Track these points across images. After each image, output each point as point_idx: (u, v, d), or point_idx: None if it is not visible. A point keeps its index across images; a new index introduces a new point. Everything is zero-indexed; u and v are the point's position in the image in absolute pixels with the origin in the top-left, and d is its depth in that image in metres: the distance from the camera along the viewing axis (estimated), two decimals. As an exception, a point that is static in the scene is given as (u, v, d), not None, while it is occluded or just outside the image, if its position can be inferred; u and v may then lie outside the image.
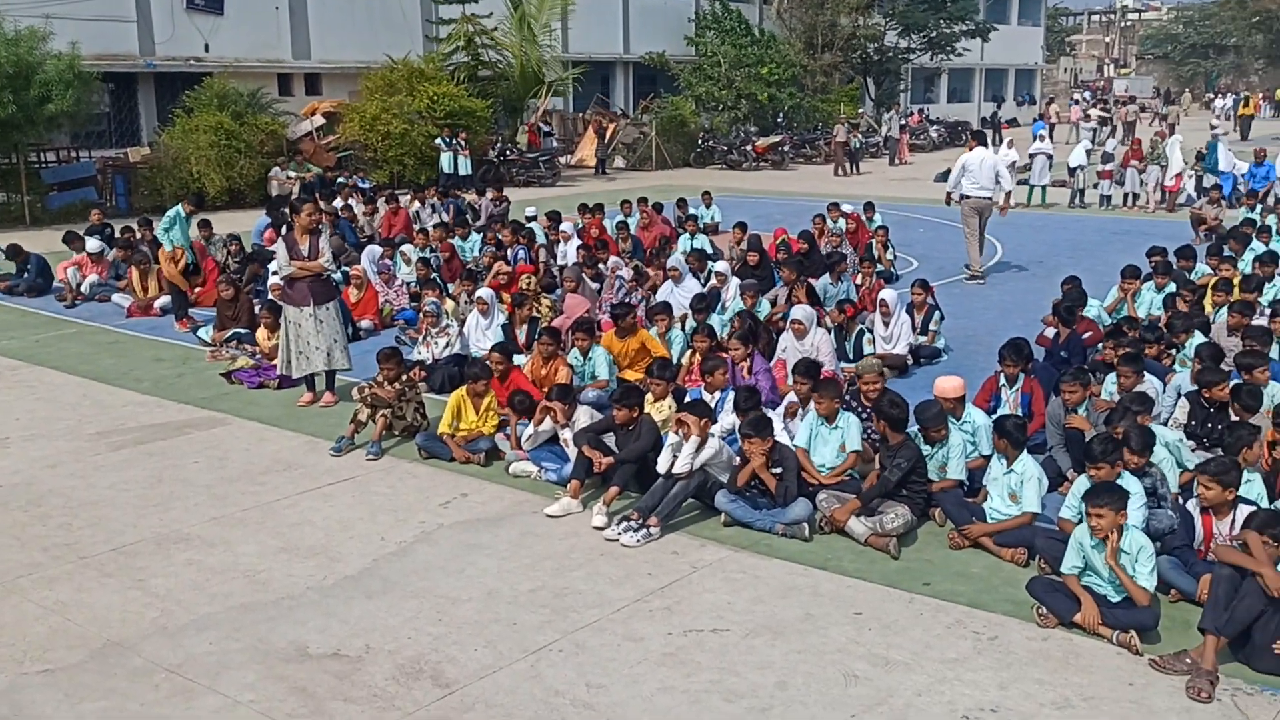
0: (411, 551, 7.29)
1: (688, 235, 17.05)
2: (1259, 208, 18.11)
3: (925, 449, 7.71)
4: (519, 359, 10.70)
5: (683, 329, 11.32)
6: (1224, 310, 10.61)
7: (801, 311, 10.66)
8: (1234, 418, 7.81)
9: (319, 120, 29.34)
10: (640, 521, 7.44)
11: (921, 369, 11.36)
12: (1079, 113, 42.64)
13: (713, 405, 8.87)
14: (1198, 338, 9.89)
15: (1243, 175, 23.26)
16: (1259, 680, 5.56)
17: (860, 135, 37.80)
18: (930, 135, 44.41)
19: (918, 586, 6.69)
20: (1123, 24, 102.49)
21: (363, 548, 7.35)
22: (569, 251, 15.74)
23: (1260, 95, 65.54)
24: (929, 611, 6.37)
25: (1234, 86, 73.48)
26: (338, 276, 12.31)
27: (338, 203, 20.28)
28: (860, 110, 43.38)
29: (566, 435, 8.52)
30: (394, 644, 6.05)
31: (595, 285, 13.65)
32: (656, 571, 6.94)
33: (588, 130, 36.83)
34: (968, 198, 16.27)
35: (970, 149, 16.57)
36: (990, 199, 16.33)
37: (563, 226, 16.79)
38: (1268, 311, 10.55)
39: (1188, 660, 5.58)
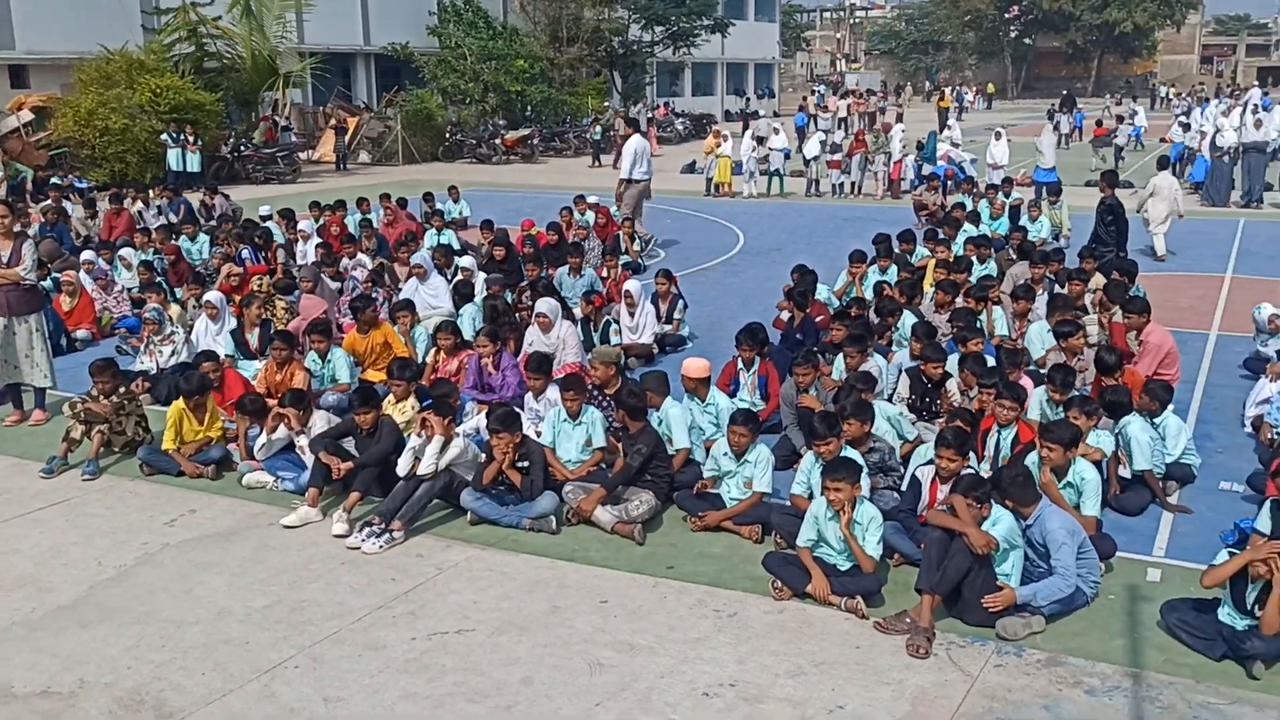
0: (132, 575, 6.81)
1: (434, 231, 16.76)
2: (973, 194, 19.48)
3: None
4: (255, 365, 10.21)
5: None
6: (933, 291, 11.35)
7: (545, 305, 10.65)
8: (955, 393, 8.37)
9: (27, 115, 27.06)
10: (383, 526, 7.23)
11: (668, 357, 11.59)
12: (814, 104, 44.75)
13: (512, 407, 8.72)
14: (909, 318, 10.51)
15: (960, 163, 25.01)
16: (970, 633, 5.97)
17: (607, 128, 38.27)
18: (676, 128, 45.53)
19: (662, 570, 6.81)
20: (851, 21, 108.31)
21: (77, 575, 6.81)
22: (308, 251, 15.15)
23: (975, 88, 70.90)
24: (672, 594, 6.50)
25: (951, 81, 79.15)
26: (47, 284, 11.34)
27: (66, 204, 18.74)
28: (606, 104, 43.92)
29: (302, 442, 8.18)
30: (112, 676, 5.63)
31: (335, 285, 13.20)
32: (400, 576, 6.76)
33: (329, 125, 35.62)
34: (636, 181, 17.69)
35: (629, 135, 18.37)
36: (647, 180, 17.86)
37: (300, 225, 16.15)
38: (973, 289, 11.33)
39: (907, 620, 5.92)
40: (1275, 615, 5.48)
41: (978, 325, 10.09)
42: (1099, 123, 37.58)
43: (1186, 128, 29.18)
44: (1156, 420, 8.05)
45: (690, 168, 30.96)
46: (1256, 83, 63.83)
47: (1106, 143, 31.77)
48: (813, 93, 56.06)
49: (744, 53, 64.82)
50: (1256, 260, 16.84)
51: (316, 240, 15.25)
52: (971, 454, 7.16)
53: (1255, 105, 29.81)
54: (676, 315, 12.22)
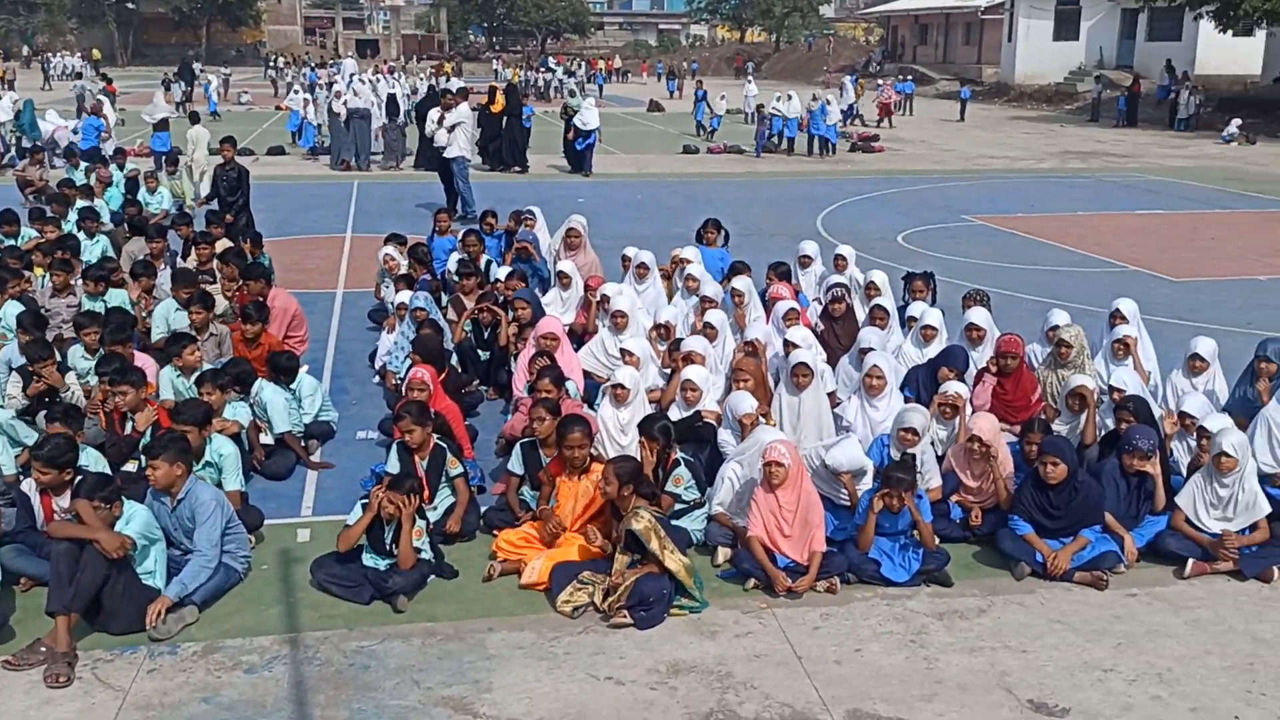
0: None
1: None
2: (83, 166, 18.08)
3: None
4: None
5: None
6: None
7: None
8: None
9: None
10: None
11: None
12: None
13: None
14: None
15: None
16: (119, 644, 5.49)
17: None
18: None
19: None
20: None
21: None
22: None
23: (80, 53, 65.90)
24: None
25: (52, 46, 72.78)
26: None
27: None
28: None
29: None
30: None
31: None
32: None
33: None
34: None
35: None
36: None
37: None
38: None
39: (43, 650, 5.24)
40: (409, 551, 5.93)
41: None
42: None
43: (308, 100, 30.37)
44: (293, 384, 8.20)
45: None
46: (354, 53, 69.25)
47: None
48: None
49: None
50: (370, 218, 18.18)
51: None
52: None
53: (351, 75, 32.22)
54: None
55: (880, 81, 44.81)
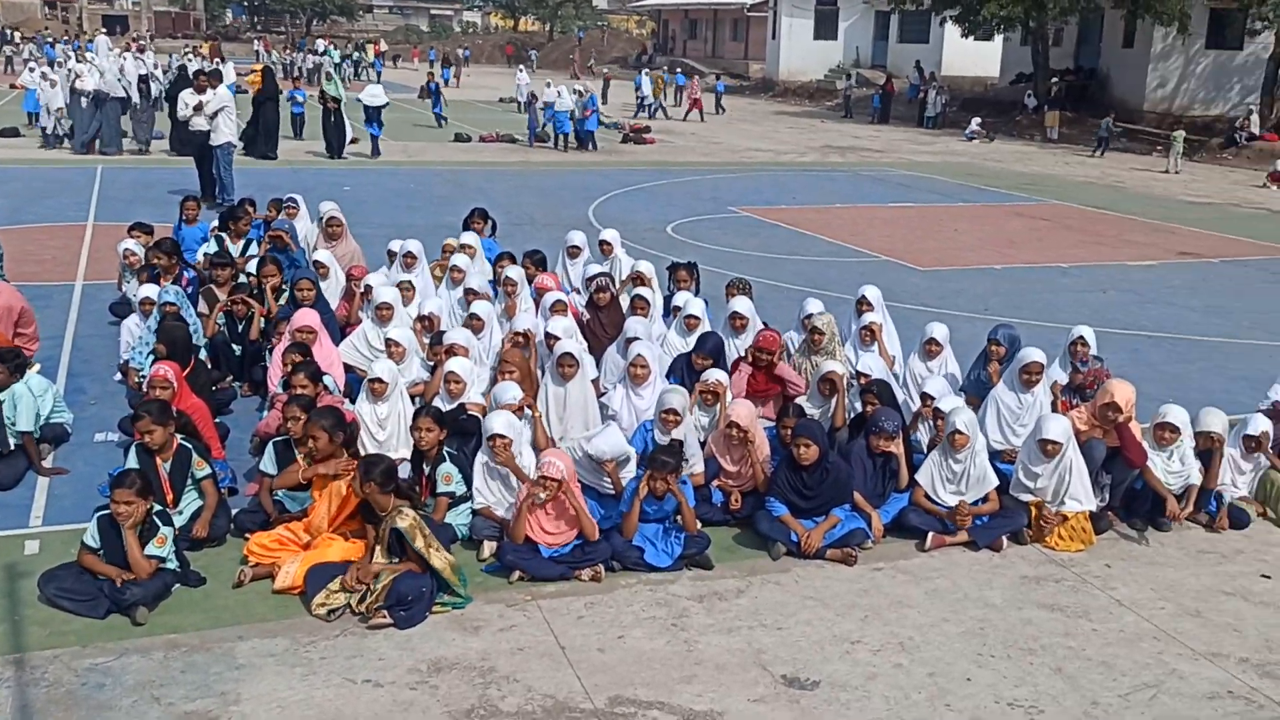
0: None
1: None
2: None
3: None
4: None
5: None
6: None
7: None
8: None
9: None
10: None
11: None
12: None
13: None
14: None
15: None
16: None
17: None
18: None
19: None
20: None
21: None
22: None
23: None
24: None
25: None
26: None
27: None
28: None
29: None
30: None
31: None
32: None
33: None
34: None
35: None
36: None
37: None
38: None
39: None
40: (139, 560, 5.59)
41: None
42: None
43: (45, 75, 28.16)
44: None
45: None
46: (104, 29, 64.81)
47: None
48: None
49: None
50: (116, 206, 17.03)
51: None
52: None
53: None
54: None
55: (669, 74, 45.57)
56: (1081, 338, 8.35)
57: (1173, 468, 7.17)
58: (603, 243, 10.80)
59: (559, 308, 8.65)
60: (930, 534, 6.81)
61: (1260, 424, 7.51)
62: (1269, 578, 6.59)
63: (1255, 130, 31.37)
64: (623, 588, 6.19)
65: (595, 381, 8.11)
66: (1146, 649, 5.72)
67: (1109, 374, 7.80)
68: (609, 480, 6.68)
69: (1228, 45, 34.92)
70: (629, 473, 6.76)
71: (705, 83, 44.40)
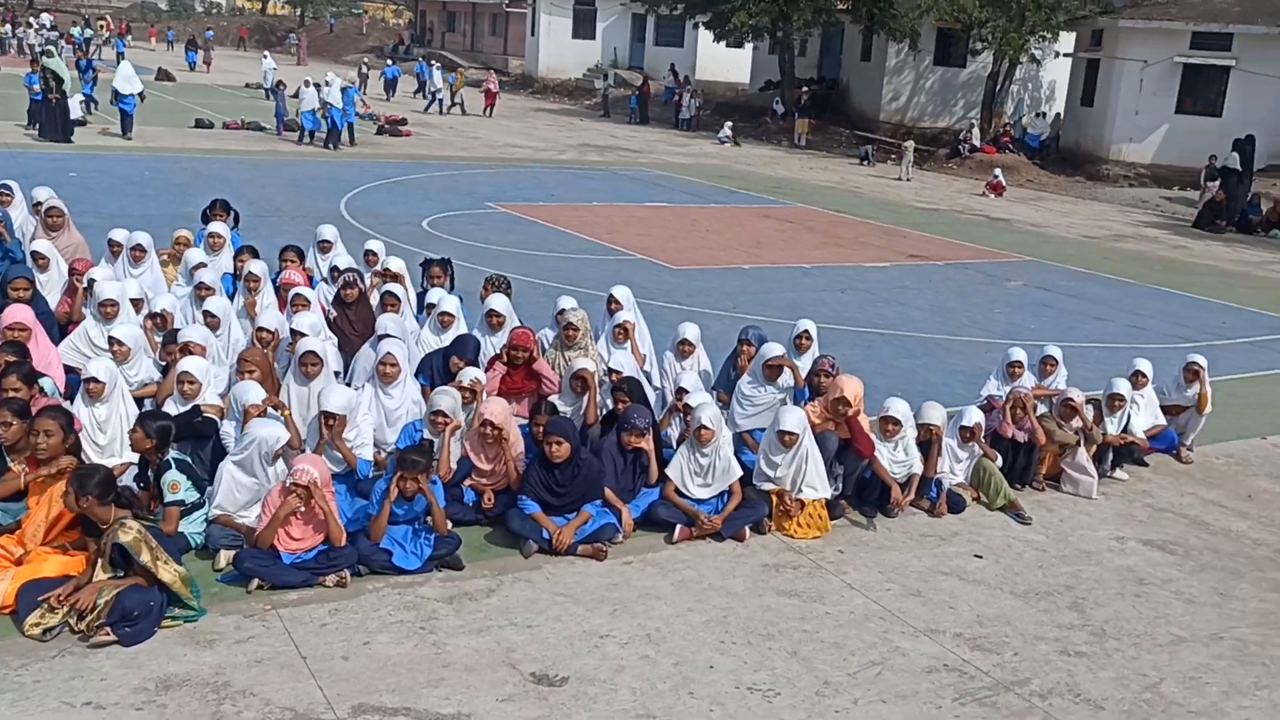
0: None
1: None
2: None
3: None
4: None
5: None
6: None
7: None
8: None
9: None
10: None
11: None
12: None
13: None
14: None
15: None
16: None
17: None
18: None
19: None
20: None
21: None
22: None
23: None
24: None
25: None
26: None
27: None
28: None
29: None
30: None
31: None
32: None
33: None
34: None
35: None
36: None
37: None
38: None
39: None
40: None
41: None
42: None
43: None
44: None
45: None
46: None
47: None
48: None
49: None
50: None
51: None
52: None
53: None
54: None
55: (426, 66, 44.68)
56: (805, 331, 8.83)
57: (897, 457, 7.66)
58: (322, 242, 10.55)
59: (300, 302, 8.35)
60: (678, 526, 6.99)
61: (974, 415, 8.12)
62: (981, 557, 7.14)
63: (976, 142, 33.89)
64: (369, 592, 6.04)
65: (339, 377, 7.89)
66: (874, 629, 6.08)
67: (835, 366, 8.23)
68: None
69: (953, 63, 37.56)
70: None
71: (468, 77, 43.94)
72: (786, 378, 8.19)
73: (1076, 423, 8.49)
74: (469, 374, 7.58)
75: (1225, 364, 12.12)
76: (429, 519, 6.36)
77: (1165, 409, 9.37)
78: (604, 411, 7.84)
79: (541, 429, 7.01)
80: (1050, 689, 5.61)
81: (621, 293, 9.19)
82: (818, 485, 7.29)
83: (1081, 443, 8.41)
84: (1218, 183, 25.48)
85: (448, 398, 7.08)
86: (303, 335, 7.65)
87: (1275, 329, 14.81)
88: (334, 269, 9.95)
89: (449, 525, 6.48)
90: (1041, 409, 8.64)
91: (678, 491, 7.15)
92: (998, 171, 28.93)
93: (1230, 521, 8.04)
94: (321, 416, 6.75)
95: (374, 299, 9.09)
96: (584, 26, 52.13)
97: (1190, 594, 6.83)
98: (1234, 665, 6.00)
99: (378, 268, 10.03)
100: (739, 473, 7.25)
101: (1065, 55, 35.53)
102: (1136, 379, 9.08)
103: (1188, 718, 5.47)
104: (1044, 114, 37.11)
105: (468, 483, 7.09)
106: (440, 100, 38.97)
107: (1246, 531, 7.89)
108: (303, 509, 5.98)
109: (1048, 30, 32.45)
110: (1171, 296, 16.56)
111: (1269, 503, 8.49)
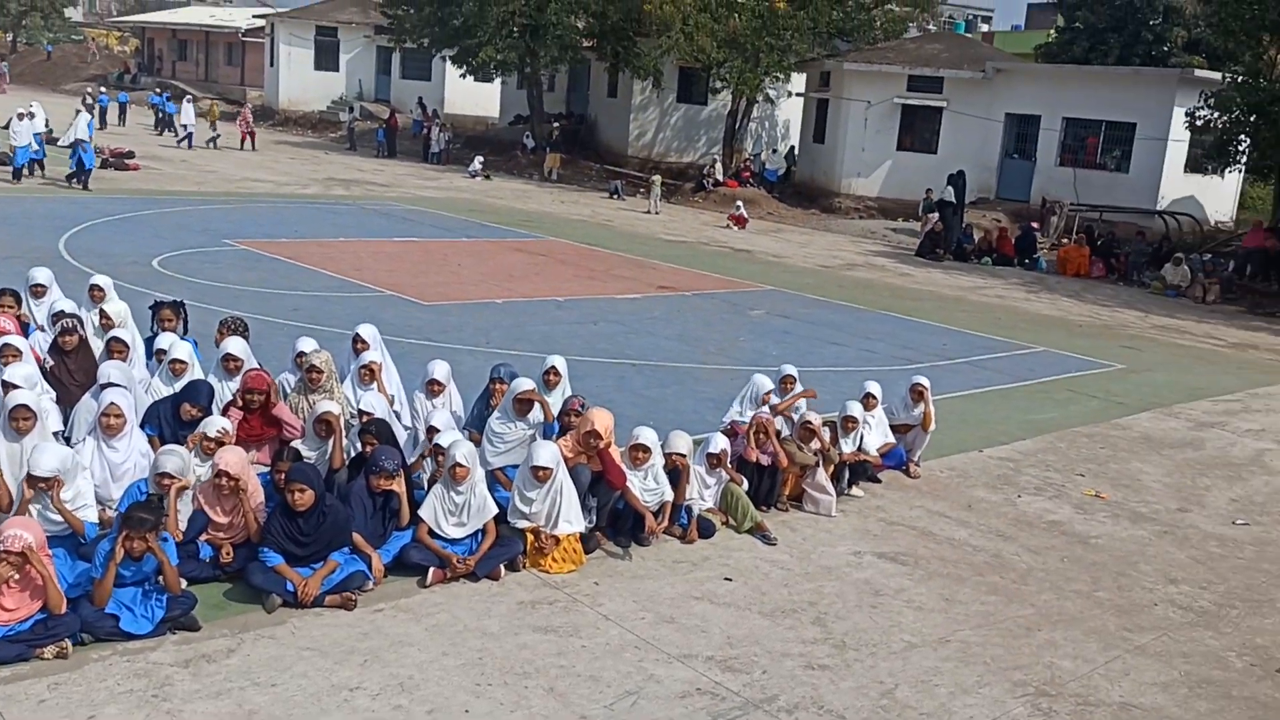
0: None
1: None
2: None
3: None
4: None
5: None
6: None
7: None
8: None
9: None
10: None
11: None
12: None
13: None
14: None
15: None
16: None
17: None
18: None
19: None
20: None
21: None
22: None
23: None
24: None
25: None
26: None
27: None
28: None
29: None
30: None
31: None
32: None
33: None
34: None
35: None
36: None
37: None
38: None
39: None
40: None
41: None
42: None
43: None
44: None
45: None
46: None
47: None
48: None
49: None
50: None
51: None
52: None
53: None
54: None
55: (157, 96, 42.20)
56: (554, 367, 8.89)
57: (648, 486, 7.81)
58: (35, 286, 9.82)
59: (10, 353, 7.68)
60: (431, 569, 6.86)
61: (720, 442, 8.40)
62: (731, 580, 7.37)
63: (719, 177, 35.26)
64: (95, 661, 5.60)
65: (59, 434, 7.31)
66: (629, 658, 6.16)
67: (585, 405, 8.31)
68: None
69: (695, 100, 38.98)
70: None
71: (199, 107, 41.90)
72: (537, 413, 8.21)
73: (815, 444, 8.92)
74: (215, 424, 7.19)
75: (946, 383, 13.05)
76: (160, 579, 5.97)
77: (894, 428, 10.00)
78: (352, 455, 7.61)
79: (283, 476, 6.73)
80: (796, 703, 5.83)
81: (368, 331, 8.97)
82: (573, 519, 7.33)
83: (820, 463, 8.85)
84: (935, 215, 27.58)
85: (175, 458, 6.67)
86: (15, 387, 7.04)
87: (989, 349, 16.09)
88: (60, 313, 9.22)
89: (183, 584, 6.10)
90: (784, 431, 9.04)
91: (431, 533, 7.02)
92: (740, 204, 30.17)
93: (953, 530, 8.65)
94: (27, 480, 6.21)
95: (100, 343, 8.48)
96: (326, 58, 50.84)
97: (920, 601, 7.29)
98: (959, 666, 6.44)
99: (104, 305, 9.38)
100: (494, 510, 7.20)
101: (798, 95, 37.62)
102: (868, 401, 9.66)
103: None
104: (778, 150, 39.09)
105: (204, 537, 6.70)
106: (190, 135, 36.89)
107: (967, 539, 8.50)
108: (16, 577, 5.49)
109: (780, 71, 34.20)
110: (898, 321, 17.72)
111: (986, 511, 9.19)
